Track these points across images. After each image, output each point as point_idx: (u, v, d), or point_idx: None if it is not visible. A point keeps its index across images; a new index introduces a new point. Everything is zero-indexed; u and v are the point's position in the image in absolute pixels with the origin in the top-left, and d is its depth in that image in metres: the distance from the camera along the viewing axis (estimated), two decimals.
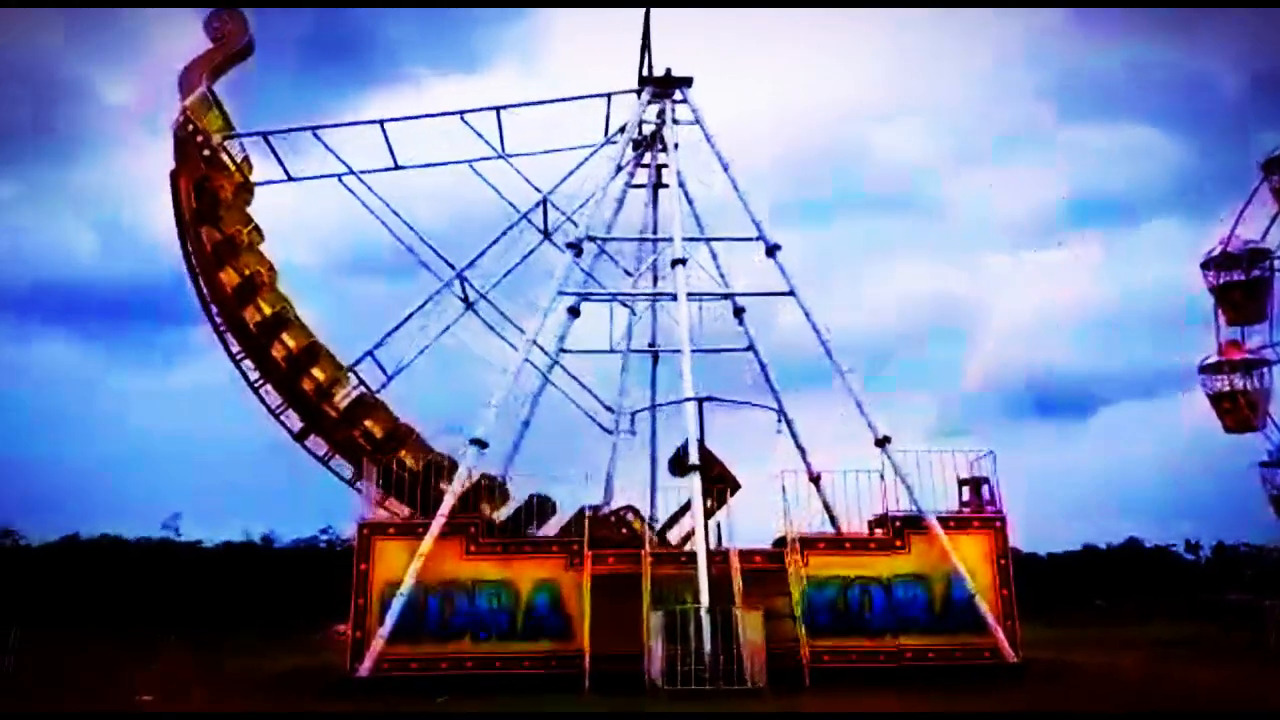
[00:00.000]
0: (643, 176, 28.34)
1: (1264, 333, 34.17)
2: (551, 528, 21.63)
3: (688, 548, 21.50)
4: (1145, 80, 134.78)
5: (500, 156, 25.50)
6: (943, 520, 20.38)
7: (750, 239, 23.76)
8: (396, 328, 23.69)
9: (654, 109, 26.03)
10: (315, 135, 24.46)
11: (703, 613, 17.56)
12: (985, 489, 21.35)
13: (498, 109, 25.22)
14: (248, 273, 22.20)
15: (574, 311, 26.90)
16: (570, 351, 26.75)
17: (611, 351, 27.16)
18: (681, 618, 17.54)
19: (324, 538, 61.67)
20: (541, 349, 25.08)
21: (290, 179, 24.75)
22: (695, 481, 19.72)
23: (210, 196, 22.25)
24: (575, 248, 22.97)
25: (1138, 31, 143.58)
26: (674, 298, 22.72)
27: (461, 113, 25.13)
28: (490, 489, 21.83)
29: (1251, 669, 21.43)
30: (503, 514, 22.05)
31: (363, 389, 23.00)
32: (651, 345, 27.97)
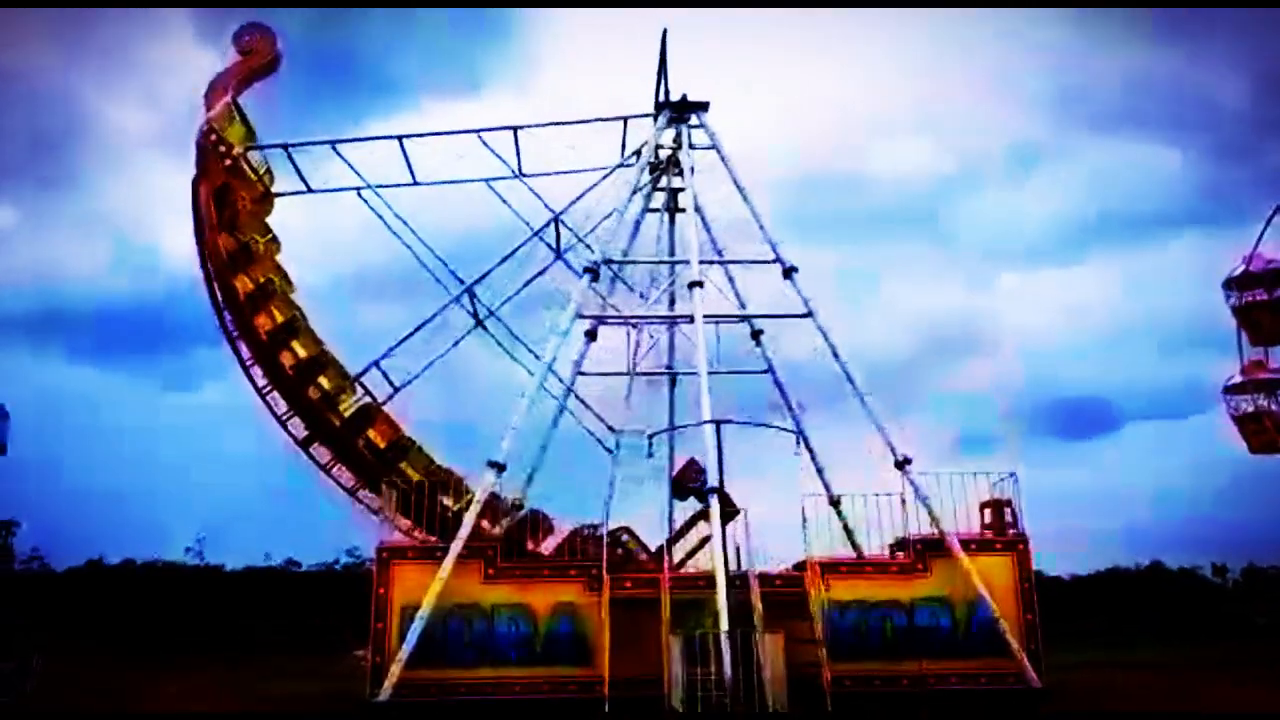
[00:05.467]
0: (659, 200, 28.41)
1: None
2: (549, 546, 21.60)
3: (691, 566, 21.42)
4: (1155, 93, 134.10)
5: (516, 176, 25.58)
6: (964, 543, 20.17)
7: (767, 261, 23.78)
8: (404, 340, 23.82)
9: (670, 133, 26.13)
10: (334, 149, 24.66)
11: (722, 636, 17.42)
12: (1007, 511, 21.16)
13: (515, 129, 25.30)
14: (262, 280, 22.53)
15: (591, 335, 26.95)
16: (588, 374, 26.78)
17: (630, 374, 27.17)
18: (701, 641, 17.38)
19: (347, 559, 61.65)
20: (558, 375, 25.20)
21: (309, 190, 24.99)
22: (714, 503, 19.62)
23: (230, 205, 22.62)
24: (592, 272, 23.01)
25: (1145, 43, 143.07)
26: (691, 320, 22.73)
27: (479, 131, 25.27)
28: (493, 506, 21.69)
29: None
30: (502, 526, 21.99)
31: (368, 399, 23.19)
32: (669, 368, 27.96)
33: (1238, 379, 33.75)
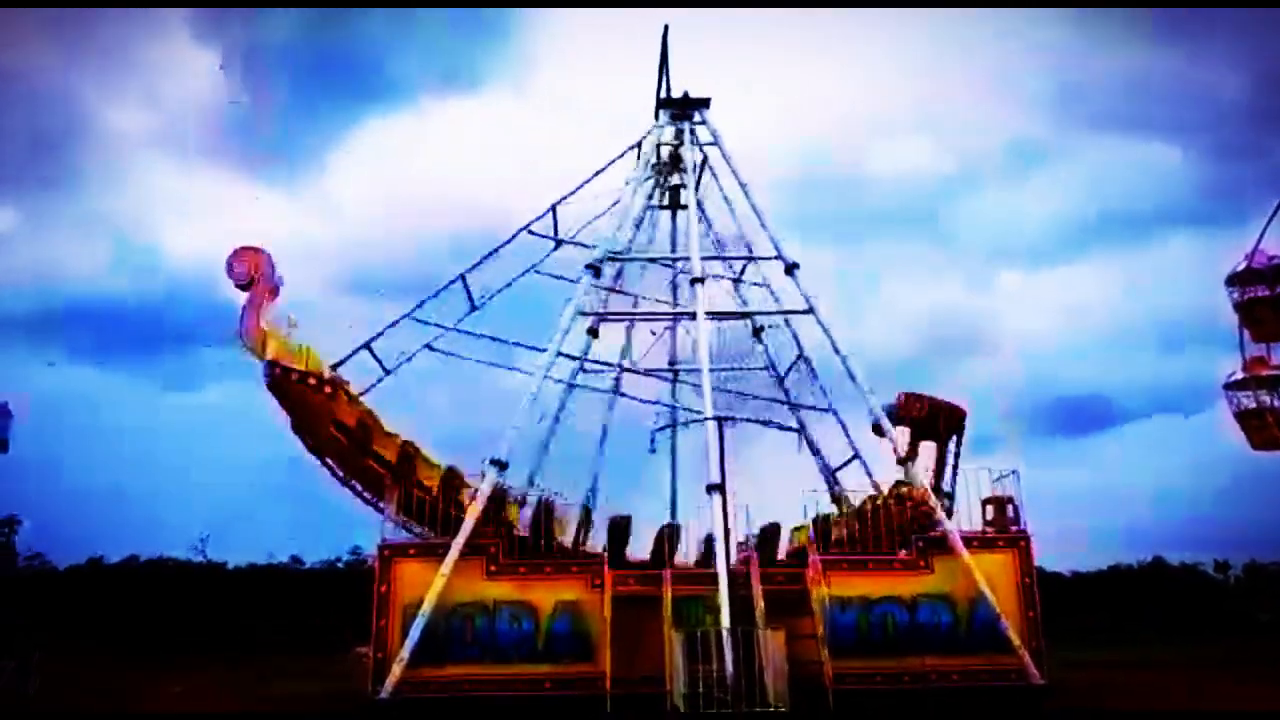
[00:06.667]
0: (662, 198, 28.39)
1: None
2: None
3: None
4: (1155, 92, 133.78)
5: (558, 244, 24.74)
6: (966, 540, 20.16)
7: (769, 258, 23.75)
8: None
9: (672, 130, 26.08)
10: (413, 318, 23.09)
11: (724, 633, 17.40)
12: (1009, 508, 21.13)
13: (554, 207, 24.55)
14: (427, 481, 21.32)
15: (593, 332, 26.98)
16: (590, 370, 26.78)
17: (633, 371, 27.13)
18: (703, 638, 17.34)
19: (349, 557, 61.52)
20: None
21: (387, 372, 22.72)
22: (715, 500, 19.55)
23: (358, 430, 20.77)
24: (594, 268, 22.99)
25: (1145, 43, 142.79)
26: (693, 317, 22.70)
27: (527, 227, 24.41)
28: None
29: None
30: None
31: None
32: (671, 364, 27.97)
33: (1239, 375, 33.75)
